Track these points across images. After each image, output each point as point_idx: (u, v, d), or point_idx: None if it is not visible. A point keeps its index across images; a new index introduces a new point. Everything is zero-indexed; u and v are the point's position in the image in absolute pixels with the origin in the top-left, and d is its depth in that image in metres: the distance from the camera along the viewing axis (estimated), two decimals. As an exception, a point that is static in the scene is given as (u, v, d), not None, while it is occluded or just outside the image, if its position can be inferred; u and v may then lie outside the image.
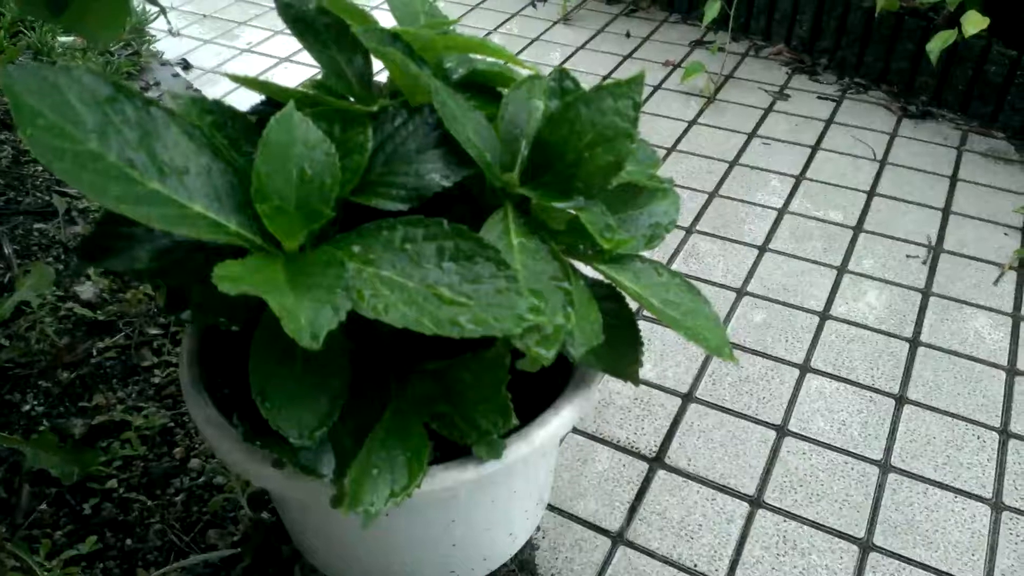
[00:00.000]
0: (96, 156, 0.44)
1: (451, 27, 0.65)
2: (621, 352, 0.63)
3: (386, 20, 0.65)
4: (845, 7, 1.82)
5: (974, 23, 1.54)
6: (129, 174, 0.45)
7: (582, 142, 0.51)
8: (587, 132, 0.51)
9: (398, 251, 0.50)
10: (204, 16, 2.24)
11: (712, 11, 1.90)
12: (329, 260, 0.47)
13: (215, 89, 1.87)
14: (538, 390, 0.67)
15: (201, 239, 0.46)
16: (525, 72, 0.66)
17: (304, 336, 0.41)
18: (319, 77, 0.66)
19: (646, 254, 0.65)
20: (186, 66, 1.99)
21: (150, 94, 1.64)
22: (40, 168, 1.28)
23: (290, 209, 0.50)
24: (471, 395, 0.56)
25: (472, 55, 0.68)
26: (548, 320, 0.48)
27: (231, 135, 0.60)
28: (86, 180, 0.42)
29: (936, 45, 1.58)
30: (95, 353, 0.99)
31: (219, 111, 0.59)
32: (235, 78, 0.62)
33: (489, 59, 0.69)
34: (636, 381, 0.65)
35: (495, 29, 2.17)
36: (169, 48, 2.06)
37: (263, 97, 0.69)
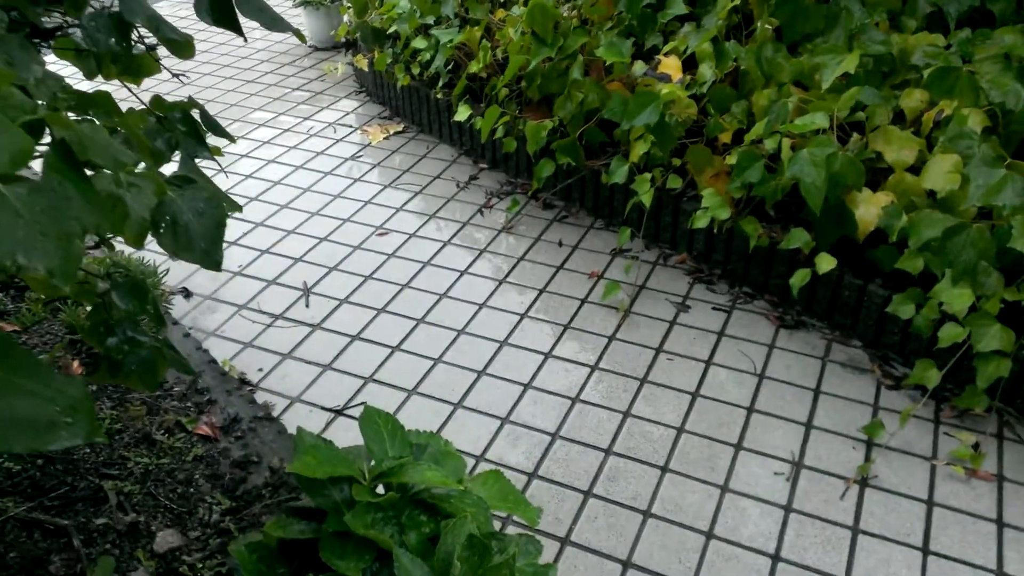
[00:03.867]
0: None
1: (408, 457, 1.02)
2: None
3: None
4: (730, 232, 2.24)
5: (826, 262, 1.97)
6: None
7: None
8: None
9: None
10: (199, 236, 2.61)
11: (624, 237, 2.33)
12: None
13: (215, 316, 2.23)
14: None
15: None
16: (458, 489, 1.02)
17: None
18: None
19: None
20: (187, 294, 2.35)
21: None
22: (87, 451, 1.62)
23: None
24: None
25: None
26: None
27: (268, 562, 0.95)
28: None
29: (796, 281, 2.00)
30: (151, 633, 1.31)
31: (260, 548, 0.94)
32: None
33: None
34: None
35: (449, 240, 2.56)
36: (170, 273, 2.41)
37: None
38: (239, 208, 0.88)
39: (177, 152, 1.07)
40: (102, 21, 0.92)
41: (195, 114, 1.11)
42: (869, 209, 1.92)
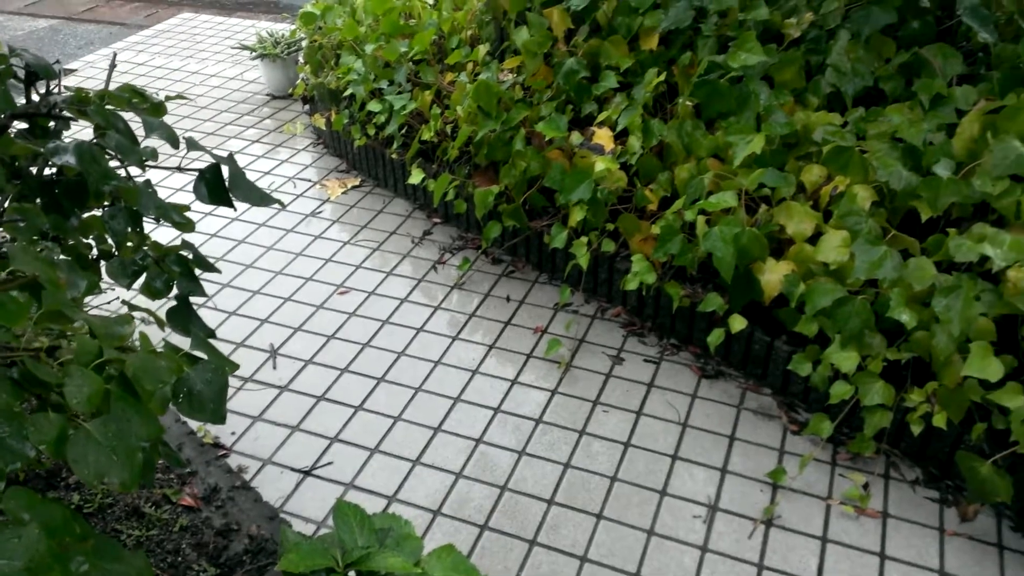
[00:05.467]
0: None
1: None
2: None
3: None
4: (658, 291, 2.50)
5: (738, 323, 2.24)
6: None
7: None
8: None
9: None
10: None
11: (565, 295, 2.57)
12: None
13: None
14: None
15: None
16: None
17: None
18: None
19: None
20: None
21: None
22: (83, 523, 1.80)
23: None
24: None
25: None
26: None
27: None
28: None
29: (712, 340, 2.27)
30: None
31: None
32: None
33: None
34: None
35: (406, 298, 2.78)
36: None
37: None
38: (237, 367, 1.09)
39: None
40: (120, 214, 1.12)
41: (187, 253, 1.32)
42: (773, 276, 2.19)
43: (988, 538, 1.92)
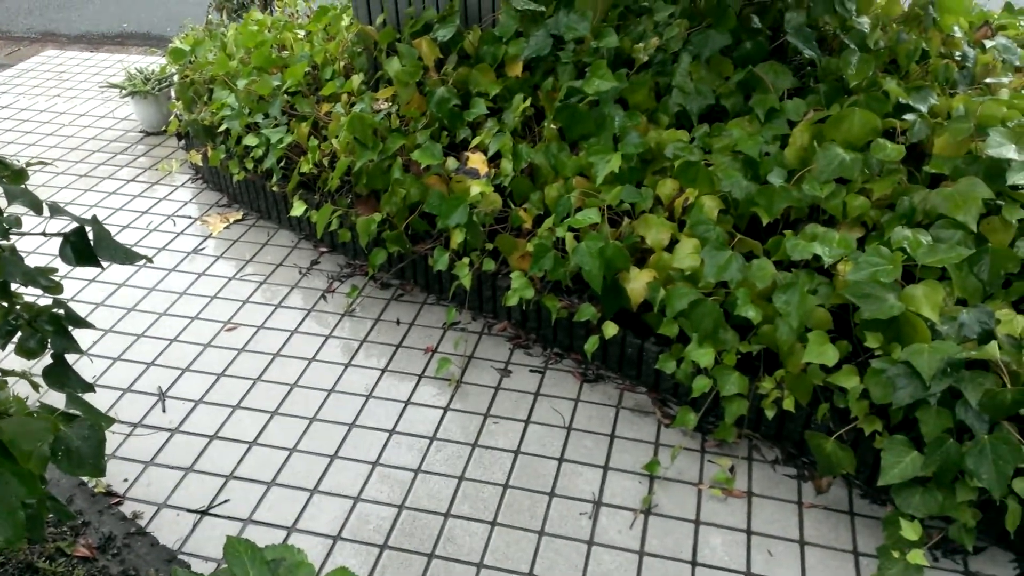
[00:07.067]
0: None
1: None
2: None
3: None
4: (538, 304, 2.65)
5: (610, 329, 2.41)
6: None
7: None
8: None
9: None
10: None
11: (451, 315, 2.68)
12: None
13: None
14: None
15: None
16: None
17: None
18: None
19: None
20: (44, 411, 2.47)
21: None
22: (-30, 588, 1.77)
23: None
24: None
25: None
26: None
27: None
28: None
29: (588, 347, 2.43)
30: None
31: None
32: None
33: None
34: None
35: (296, 329, 2.82)
36: (28, 398, 2.53)
37: None
38: (113, 422, 1.14)
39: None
40: (-15, 284, 1.15)
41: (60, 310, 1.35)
42: (637, 284, 2.38)
43: (841, 507, 2.14)
